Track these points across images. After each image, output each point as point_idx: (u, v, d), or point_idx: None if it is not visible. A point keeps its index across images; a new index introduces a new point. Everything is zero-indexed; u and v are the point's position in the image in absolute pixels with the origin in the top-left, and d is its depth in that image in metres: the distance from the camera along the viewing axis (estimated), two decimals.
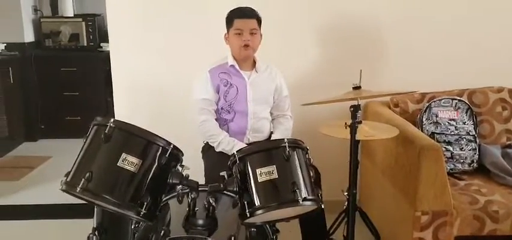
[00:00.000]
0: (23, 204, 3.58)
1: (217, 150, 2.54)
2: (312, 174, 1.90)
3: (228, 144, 2.50)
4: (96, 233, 2.02)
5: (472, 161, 2.78)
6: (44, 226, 3.26)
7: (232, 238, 1.73)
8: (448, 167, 2.73)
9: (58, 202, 2.80)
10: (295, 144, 1.83)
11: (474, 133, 2.82)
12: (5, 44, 4.90)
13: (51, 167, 4.27)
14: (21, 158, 4.65)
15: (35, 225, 3.26)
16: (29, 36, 5.06)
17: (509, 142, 2.94)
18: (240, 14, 2.53)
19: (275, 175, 1.73)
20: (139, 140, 1.68)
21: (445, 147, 2.75)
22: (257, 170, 1.75)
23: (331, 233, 2.63)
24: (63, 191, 1.63)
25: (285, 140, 1.80)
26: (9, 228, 3.24)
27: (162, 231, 1.72)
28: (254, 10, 2.56)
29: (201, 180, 2.25)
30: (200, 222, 1.80)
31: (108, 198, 1.60)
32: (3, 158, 4.62)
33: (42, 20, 5.14)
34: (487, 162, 2.76)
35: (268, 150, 1.82)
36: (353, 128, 2.18)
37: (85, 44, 5.12)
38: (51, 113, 5.09)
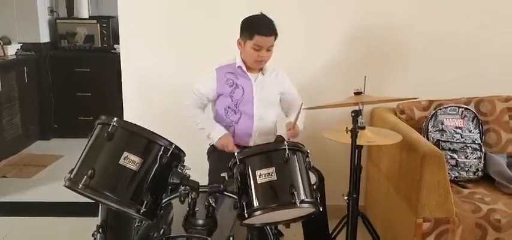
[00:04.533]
0: (34, 201, 3.66)
1: (198, 128, 2.66)
2: (315, 179, 1.93)
3: (206, 121, 2.65)
4: (100, 230, 2.06)
5: (477, 170, 2.77)
6: (53, 223, 3.32)
7: (231, 238, 1.76)
8: (453, 175, 2.73)
9: (67, 200, 2.86)
10: (295, 147, 1.85)
11: (480, 142, 2.82)
12: (21, 44, 5.01)
13: (63, 166, 4.33)
14: (34, 156, 4.73)
15: (45, 222, 3.33)
16: (44, 37, 5.15)
17: None
18: (262, 31, 2.48)
19: (274, 177, 1.75)
20: (141, 139, 1.71)
21: (450, 155, 2.75)
22: (257, 172, 1.77)
23: (334, 238, 2.65)
24: (66, 187, 1.66)
25: (285, 143, 1.82)
26: (20, 225, 3.30)
27: (162, 230, 1.76)
28: (274, 26, 2.51)
29: (206, 182, 2.29)
30: (200, 222, 1.83)
31: (109, 195, 1.63)
32: (16, 155, 4.70)
33: (58, 21, 5.24)
34: (491, 171, 2.76)
35: (268, 152, 1.84)
36: (354, 133, 2.20)
37: (99, 46, 5.21)
38: (64, 113, 5.19)
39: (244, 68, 2.62)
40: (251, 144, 2.62)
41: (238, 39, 2.59)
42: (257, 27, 2.50)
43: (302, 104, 2.50)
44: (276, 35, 2.53)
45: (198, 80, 2.69)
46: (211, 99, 2.70)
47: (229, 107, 2.64)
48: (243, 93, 2.61)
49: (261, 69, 2.66)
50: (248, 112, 2.63)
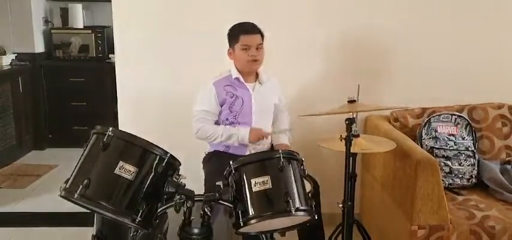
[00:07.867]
0: (29, 212, 3.64)
1: (221, 140, 2.59)
2: (310, 187, 1.93)
3: (227, 129, 2.59)
4: None
5: (471, 176, 2.78)
6: (49, 233, 3.31)
7: None
8: (447, 182, 2.75)
9: (62, 210, 2.86)
10: (290, 156, 1.86)
11: (473, 149, 2.84)
12: (16, 54, 5.00)
13: (58, 175, 4.32)
14: (29, 166, 4.71)
15: (40, 233, 3.31)
16: (39, 47, 5.15)
17: (508, 158, 2.94)
18: (246, 30, 2.56)
19: (269, 185, 1.76)
20: (136, 148, 1.71)
21: (443, 162, 2.76)
22: (252, 180, 1.78)
23: None
24: (62, 196, 1.66)
25: (280, 151, 1.83)
26: (15, 235, 3.29)
27: (158, 239, 1.76)
28: (257, 25, 2.59)
29: (201, 190, 2.29)
30: (195, 231, 1.82)
31: (104, 205, 1.63)
32: (11, 165, 4.69)
33: (52, 31, 5.23)
34: (485, 178, 2.77)
35: (263, 160, 1.85)
36: (348, 141, 2.21)
37: (94, 55, 5.21)
38: (59, 123, 5.18)
39: (241, 78, 2.63)
40: (247, 153, 2.63)
41: (228, 49, 2.62)
42: (241, 28, 2.58)
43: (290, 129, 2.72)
44: (261, 34, 2.58)
45: (197, 100, 2.64)
46: (218, 114, 2.65)
47: (227, 119, 2.64)
48: (242, 103, 2.62)
49: (257, 78, 2.68)
50: (247, 122, 2.64)
